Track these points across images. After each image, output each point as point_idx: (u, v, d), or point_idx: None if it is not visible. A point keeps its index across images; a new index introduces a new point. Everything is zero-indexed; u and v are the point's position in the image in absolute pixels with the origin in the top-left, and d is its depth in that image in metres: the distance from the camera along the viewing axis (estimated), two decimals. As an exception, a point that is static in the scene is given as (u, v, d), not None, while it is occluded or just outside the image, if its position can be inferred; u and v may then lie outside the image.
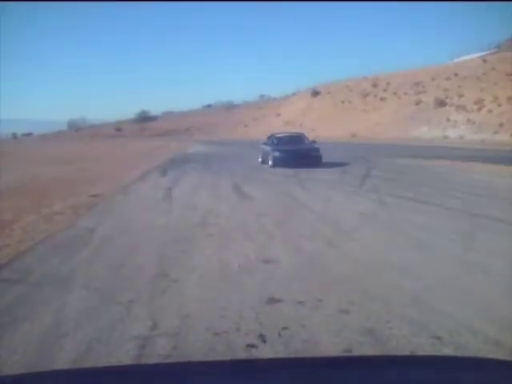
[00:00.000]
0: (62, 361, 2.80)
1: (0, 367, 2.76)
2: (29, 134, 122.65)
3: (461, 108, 38.93)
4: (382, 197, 8.95)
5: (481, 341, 2.95)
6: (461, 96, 41.29)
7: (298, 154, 16.03)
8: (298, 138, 18.19)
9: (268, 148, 17.32)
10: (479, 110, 37.07)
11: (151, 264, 4.87)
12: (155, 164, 19.89)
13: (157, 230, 6.61)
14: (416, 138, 37.06)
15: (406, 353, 2.79)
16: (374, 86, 58.92)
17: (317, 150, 16.41)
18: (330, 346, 2.93)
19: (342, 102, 61.26)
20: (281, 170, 14.99)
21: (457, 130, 36.54)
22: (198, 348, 2.94)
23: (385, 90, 55.92)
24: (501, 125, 32.62)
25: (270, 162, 16.37)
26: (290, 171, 14.40)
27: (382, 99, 54.06)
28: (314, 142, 17.82)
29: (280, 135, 18.67)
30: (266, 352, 2.85)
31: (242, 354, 2.84)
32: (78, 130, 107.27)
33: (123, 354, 2.87)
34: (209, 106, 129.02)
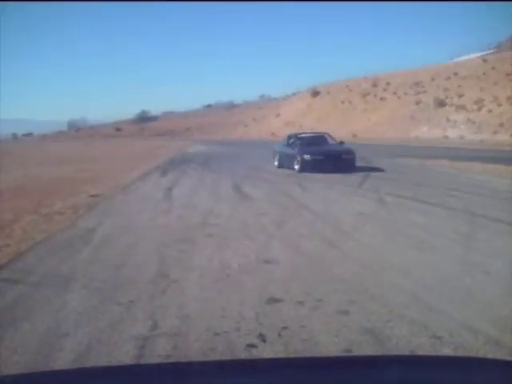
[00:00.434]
0: (62, 361, 2.81)
1: (0, 367, 2.76)
2: (29, 134, 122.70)
3: (461, 108, 38.92)
4: (382, 196, 8.95)
5: (481, 341, 2.95)
6: (461, 96, 41.28)
7: (330, 156, 14.07)
8: (322, 139, 16.24)
9: (290, 150, 15.23)
10: (479, 109, 37.06)
11: (151, 264, 4.87)
12: (155, 164, 19.89)
13: (157, 230, 6.61)
14: (416, 137, 37.07)
15: (406, 353, 2.79)
16: (374, 85, 58.93)
17: (350, 151, 14.49)
18: (329, 345, 2.93)
19: (342, 101, 61.26)
20: (278, 170, 14.99)
21: (457, 129, 36.53)
22: (198, 348, 2.94)
23: (385, 90, 55.92)
24: (501, 125, 32.61)
25: (297, 167, 14.28)
26: (287, 171, 14.41)
27: (382, 99, 54.06)
28: (342, 142, 15.87)
29: (303, 135, 16.73)
30: (265, 352, 2.85)
31: (242, 354, 2.84)
32: (78, 130, 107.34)
33: (123, 354, 2.87)
34: (209, 105, 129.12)
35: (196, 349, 2.94)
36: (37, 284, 4.34)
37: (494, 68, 42.76)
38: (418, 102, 46.10)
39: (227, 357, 2.80)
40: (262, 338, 3.04)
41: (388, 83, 56.62)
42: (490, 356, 2.71)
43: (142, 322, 3.36)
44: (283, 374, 1.29)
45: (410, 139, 35.34)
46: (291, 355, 2.79)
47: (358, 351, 2.82)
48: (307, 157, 14.10)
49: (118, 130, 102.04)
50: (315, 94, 70.33)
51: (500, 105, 35.50)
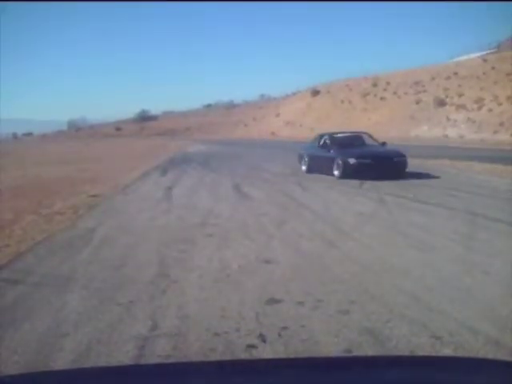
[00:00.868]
0: (62, 361, 2.80)
1: (0, 367, 2.76)
2: (29, 134, 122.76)
3: (461, 107, 38.94)
4: (382, 196, 8.96)
5: (481, 341, 2.95)
6: (461, 95, 41.30)
7: (379, 160, 12.05)
8: (361, 139, 14.13)
9: (325, 152, 13.24)
10: (479, 109, 37.08)
11: (151, 264, 4.87)
12: (155, 164, 19.89)
13: (157, 230, 6.61)
14: (416, 137, 37.08)
15: (406, 353, 2.79)
16: (374, 85, 58.94)
17: (401, 154, 12.38)
18: (329, 346, 2.93)
19: (342, 101, 61.28)
20: (275, 168, 14.98)
21: (457, 129, 36.55)
22: (198, 348, 2.94)
23: (385, 90, 55.94)
24: (501, 124, 32.62)
25: (337, 172, 12.20)
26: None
27: (382, 99, 54.08)
28: (383, 143, 13.74)
29: (340, 134, 14.46)
30: (266, 352, 2.85)
31: (242, 355, 2.84)
32: (77, 130, 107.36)
33: (123, 355, 2.87)
34: (209, 105, 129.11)
35: (196, 349, 2.93)
36: (37, 284, 4.33)
37: (493, 68, 42.76)
38: (418, 102, 46.11)
39: (227, 357, 2.80)
40: (262, 338, 3.04)
41: (388, 83, 56.64)
42: (490, 356, 2.71)
43: (141, 322, 3.36)
44: (283, 374, 1.29)
45: (410, 139, 35.33)
46: (291, 355, 2.79)
47: (358, 351, 2.82)
48: (352, 160, 11.87)
49: (118, 129, 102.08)
50: (315, 93, 70.34)
51: (500, 104, 35.51)
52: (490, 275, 4.22)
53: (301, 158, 14.77)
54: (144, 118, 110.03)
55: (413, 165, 12.97)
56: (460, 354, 2.76)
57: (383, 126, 45.20)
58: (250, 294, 3.90)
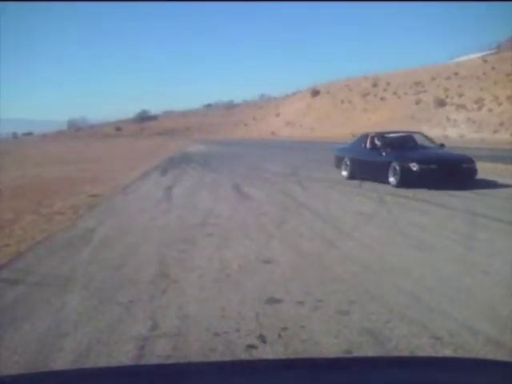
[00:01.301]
0: (62, 361, 2.80)
1: (0, 367, 2.76)
2: (29, 134, 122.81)
3: (461, 107, 38.96)
4: (382, 196, 8.96)
5: (481, 341, 2.95)
6: (461, 95, 41.33)
7: (445, 165, 9.99)
8: (415, 140, 11.95)
9: (375, 155, 11.13)
10: (479, 109, 37.11)
11: (151, 264, 4.87)
12: (155, 164, 19.89)
13: (157, 230, 6.61)
14: (416, 137, 37.05)
15: (406, 353, 2.79)
16: (374, 85, 58.97)
17: (469, 159, 10.32)
18: (329, 346, 2.93)
19: (342, 101, 61.30)
20: (275, 168, 14.97)
21: (457, 129, 36.57)
22: (198, 349, 2.94)
23: (385, 90, 55.98)
24: (501, 124, 32.65)
25: (393, 179, 10.13)
26: (287, 169, 14.39)
27: (382, 99, 54.11)
28: (442, 145, 11.77)
29: (392, 135, 12.21)
30: (265, 353, 2.85)
31: (241, 355, 2.84)
32: (77, 130, 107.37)
33: (123, 355, 2.87)
34: (209, 105, 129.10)
35: (196, 349, 2.93)
36: (37, 284, 4.33)
37: (493, 68, 42.80)
38: (418, 102, 46.14)
39: (227, 357, 2.80)
40: (262, 338, 3.04)
41: (388, 83, 56.67)
42: (490, 357, 2.71)
43: (141, 322, 3.36)
44: (283, 375, 1.29)
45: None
46: (291, 356, 2.79)
47: (358, 352, 2.82)
48: (414, 166, 9.80)
49: (118, 129, 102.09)
50: (315, 93, 70.36)
51: (500, 104, 35.54)
52: None
53: (339, 161, 12.69)
54: (144, 117, 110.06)
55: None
56: (460, 354, 2.76)
57: (383, 126, 45.17)
58: (250, 293, 3.89)
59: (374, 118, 49.95)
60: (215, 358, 2.78)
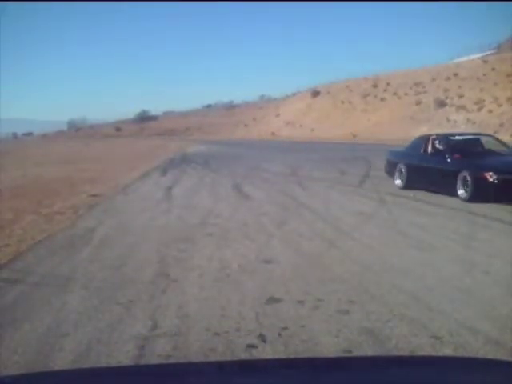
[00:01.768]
0: (62, 361, 2.80)
1: (0, 367, 2.76)
2: (29, 134, 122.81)
3: (461, 108, 38.97)
4: (383, 196, 8.95)
5: (481, 341, 2.95)
6: (461, 96, 41.32)
7: None
8: (482, 144, 10.03)
9: (439, 162, 9.27)
10: (479, 110, 37.11)
11: (151, 263, 4.87)
12: (155, 164, 19.89)
13: (157, 230, 6.61)
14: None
15: (406, 353, 2.79)
16: (374, 86, 58.93)
17: None
18: (329, 345, 2.93)
19: (342, 102, 61.26)
20: (276, 168, 14.97)
21: (457, 129, 36.55)
22: (198, 348, 2.94)
23: (385, 91, 55.93)
24: (501, 125, 32.65)
25: (463, 191, 8.31)
26: (287, 169, 14.40)
27: (382, 99, 54.07)
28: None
29: (458, 137, 10.35)
30: (266, 352, 2.85)
31: (242, 354, 2.84)
32: (78, 130, 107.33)
33: (123, 355, 2.87)
34: (209, 105, 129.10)
35: (196, 349, 2.94)
36: (37, 284, 4.33)
37: (494, 69, 42.77)
38: (418, 103, 46.12)
39: (227, 357, 2.80)
40: (262, 338, 3.04)
41: (388, 83, 56.64)
42: (490, 356, 2.71)
43: (141, 321, 3.36)
44: (283, 374, 1.29)
45: (410, 139, 35.30)
46: (291, 356, 2.79)
47: (358, 351, 2.82)
48: (491, 176, 7.97)
49: (118, 129, 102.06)
50: (315, 94, 70.31)
51: (500, 105, 35.53)
52: None
53: (392, 167, 10.77)
54: (144, 118, 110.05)
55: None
56: (460, 354, 2.76)
57: (383, 126, 45.21)
58: (249, 293, 3.90)
59: (374, 118, 49.93)
60: (215, 357, 2.78)
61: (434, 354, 2.76)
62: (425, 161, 9.75)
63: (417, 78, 52.89)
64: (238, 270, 4.58)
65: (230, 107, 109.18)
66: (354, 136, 44.15)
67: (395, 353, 2.81)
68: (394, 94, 53.13)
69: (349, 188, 10.49)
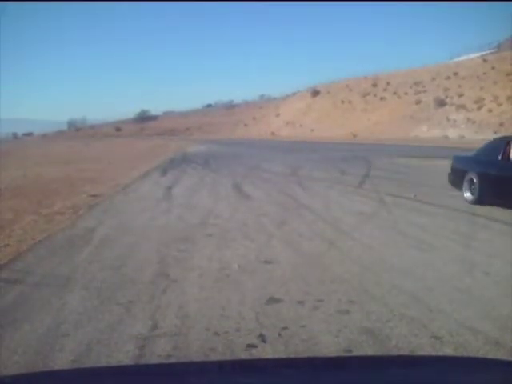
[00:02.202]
0: (62, 361, 2.80)
1: (0, 367, 2.76)
2: (29, 134, 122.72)
3: (461, 107, 38.96)
4: (383, 196, 8.95)
5: (481, 341, 2.95)
6: (461, 95, 41.32)
7: None
8: None
9: None
10: (479, 109, 37.10)
11: (151, 264, 4.87)
12: (155, 164, 19.88)
13: (157, 230, 6.61)
14: (415, 137, 37.09)
15: (406, 353, 2.79)
16: (374, 85, 58.95)
17: None
18: (330, 345, 2.93)
19: (342, 101, 61.28)
20: (276, 168, 14.95)
21: (457, 129, 36.57)
22: (198, 348, 2.94)
23: (385, 90, 55.95)
24: (501, 124, 32.65)
25: None
26: (287, 169, 14.39)
27: (382, 99, 54.09)
28: None
29: None
30: (266, 352, 2.85)
31: (242, 354, 2.84)
32: (78, 130, 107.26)
33: (123, 355, 2.87)
34: (209, 105, 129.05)
35: (196, 349, 2.93)
36: (37, 284, 4.33)
37: (493, 68, 42.78)
38: (418, 102, 46.12)
39: (227, 357, 2.80)
40: (262, 338, 3.04)
41: (388, 83, 56.65)
42: (490, 356, 2.71)
43: (141, 322, 3.36)
44: (283, 374, 1.29)
45: (409, 139, 35.35)
46: (291, 355, 2.79)
47: (358, 351, 2.82)
48: None
49: (118, 129, 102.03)
50: (315, 93, 70.34)
51: (500, 104, 35.53)
52: None
53: (459, 176, 8.80)
54: (144, 118, 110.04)
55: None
56: (460, 353, 2.76)
57: (383, 126, 45.22)
58: (249, 293, 3.90)
59: (373, 118, 49.93)
60: (215, 357, 2.78)
61: (434, 354, 2.76)
62: (506, 170, 7.62)
63: (417, 77, 52.90)
64: (238, 270, 4.58)
65: (230, 107, 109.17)
66: (354, 135, 44.16)
67: (395, 353, 2.81)
68: (394, 93, 53.13)
69: (349, 188, 10.49)
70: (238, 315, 3.43)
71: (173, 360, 2.75)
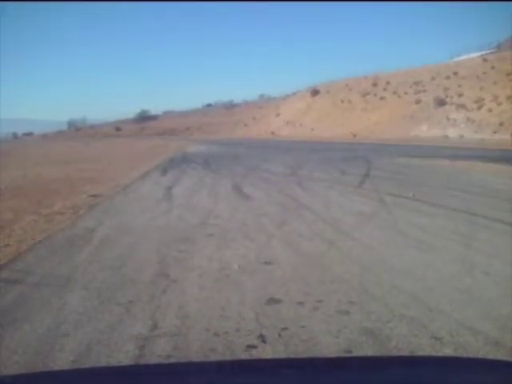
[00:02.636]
0: (62, 361, 2.80)
1: (0, 367, 2.76)
2: (29, 134, 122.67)
3: (461, 107, 38.94)
4: (383, 196, 8.95)
5: (481, 341, 2.95)
6: (461, 95, 41.29)
7: None
8: None
9: None
10: (479, 108, 37.07)
11: (151, 264, 4.87)
12: (155, 164, 19.87)
13: (156, 230, 6.61)
14: (415, 136, 37.08)
15: (406, 353, 2.79)
16: (374, 85, 58.91)
17: None
18: (329, 346, 2.93)
19: (342, 101, 61.23)
20: (276, 168, 14.95)
21: (457, 128, 36.56)
22: (198, 348, 2.94)
23: (385, 90, 55.91)
24: (501, 124, 32.63)
25: None
26: (287, 170, 14.38)
27: (382, 98, 54.05)
28: None
29: None
30: (266, 352, 2.85)
31: (242, 355, 2.84)
32: (78, 130, 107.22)
33: (123, 355, 2.87)
34: (209, 105, 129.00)
35: (196, 349, 2.93)
36: (37, 284, 4.33)
37: (493, 67, 42.75)
38: (418, 102, 46.09)
39: (227, 357, 2.80)
40: (262, 338, 3.04)
41: (388, 82, 56.63)
42: (490, 356, 2.71)
43: (141, 322, 3.36)
44: (283, 374, 1.29)
45: (409, 138, 35.34)
46: (291, 356, 2.79)
47: (358, 352, 2.82)
48: None
49: (118, 129, 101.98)
50: (315, 93, 70.29)
51: (500, 104, 35.51)
52: None
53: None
54: (144, 117, 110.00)
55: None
56: (460, 354, 2.76)
57: (383, 125, 45.21)
58: (249, 294, 3.90)
59: (373, 117, 49.90)
60: (215, 357, 2.78)
61: (434, 354, 2.76)
62: None
63: (416, 76, 52.86)
64: (238, 270, 4.58)
65: (230, 106, 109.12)
66: (354, 135, 44.15)
67: (395, 353, 2.81)
68: (394, 92, 53.10)
69: (349, 188, 10.48)
70: (238, 315, 3.43)
71: (173, 360, 2.75)
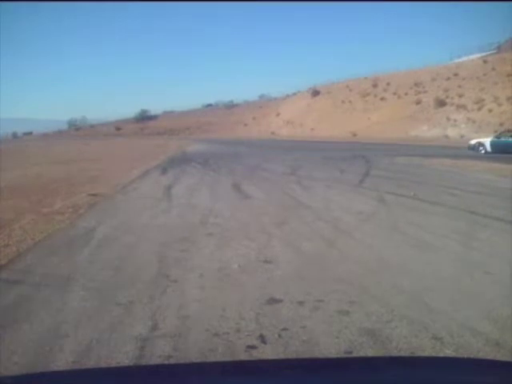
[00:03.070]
0: (62, 362, 2.80)
1: (0, 368, 2.75)
2: (29, 133, 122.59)
3: (461, 107, 38.94)
4: (383, 195, 8.95)
5: (481, 342, 2.94)
6: (461, 96, 41.28)
7: None
8: None
9: None
10: (479, 109, 37.08)
11: (151, 264, 4.87)
12: (155, 163, 19.86)
13: (156, 230, 6.60)
14: (416, 136, 37.08)
15: (407, 354, 2.79)
16: (374, 85, 58.88)
17: None
18: (330, 346, 2.92)
19: (342, 101, 61.20)
20: (276, 167, 14.94)
21: (457, 128, 36.56)
22: (198, 349, 2.94)
23: (385, 90, 55.88)
24: (501, 124, 32.62)
25: None
26: (287, 169, 14.38)
27: (382, 99, 54.02)
28: None
29: None
30: (266, 353, 2.85)
31: (242, 355, 2.84)
32: (78, 129, 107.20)
33: (123, 355, 2.86)
34: (209, 105, 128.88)
35: (196, 350, 2.93)
36: (37, 284, 4.33)
37: (494, 69, 42.73)
38: (418, 102, 46.08)
39: (227, 358, 2.79)
40: (262, 339, 3.03)
41: (388, 83, 56.59)
42: (490, 357, 2.71)
43: (141, 322, 3.36)
44: (283, 375, 1.29)
45: (409, 139, 35.34)
46: (291, 356, 2.79)
47: (358, 352, 2.82)
48: None
49: (118, 129, 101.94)
50: (315, 93, 70.27)
51: (500, 105, 35.51)
52: None
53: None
54: (144, 117, 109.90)
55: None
56: (460, 354, 2.76)
57: (383, 126, 45.20)
58: (250, 294, 3.89)
59: (374, 118, 49.89)
60: (215, 358, 2.78)
61: (434, 355, 2.76)
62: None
63: (417, 77, 52.85)
64: (238, 270, 4.58)
65: (230, 106, 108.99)
66: (354, 135, 44.13)
67: (396, 353, 2.80)
68: (394, 93, 53.07)
69: (349, 187, 10.48)
70: (238, 316, 3.42)
71: (173, 361, 2.75)
